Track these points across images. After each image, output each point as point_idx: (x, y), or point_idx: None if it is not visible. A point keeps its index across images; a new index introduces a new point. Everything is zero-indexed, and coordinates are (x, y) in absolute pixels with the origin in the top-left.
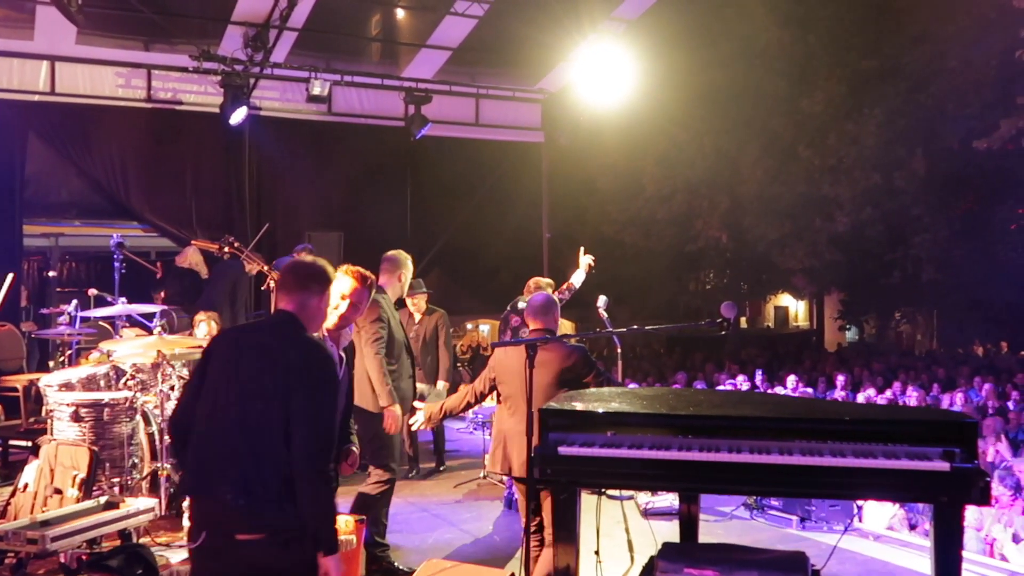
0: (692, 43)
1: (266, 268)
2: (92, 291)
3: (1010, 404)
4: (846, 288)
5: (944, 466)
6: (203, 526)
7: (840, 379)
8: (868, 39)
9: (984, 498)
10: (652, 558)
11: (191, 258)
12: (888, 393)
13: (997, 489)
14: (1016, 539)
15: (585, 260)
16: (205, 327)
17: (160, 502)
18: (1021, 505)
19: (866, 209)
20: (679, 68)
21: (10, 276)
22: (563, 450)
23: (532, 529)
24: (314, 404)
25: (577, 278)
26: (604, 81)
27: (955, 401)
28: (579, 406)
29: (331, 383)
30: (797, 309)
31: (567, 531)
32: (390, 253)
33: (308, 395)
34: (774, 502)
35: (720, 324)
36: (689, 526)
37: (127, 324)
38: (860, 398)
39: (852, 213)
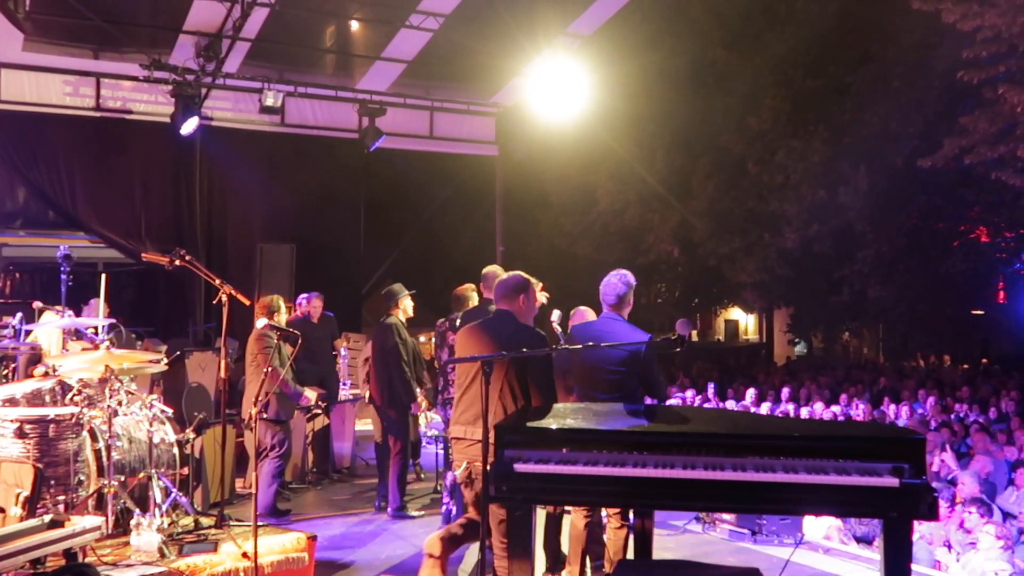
0: (645, 59)
1: (218, 282)
2: (37, 303)
3: (952, 416)
4: (795, 302)
5: (893, 482)
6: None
7: (786, 392)
8: (813, 59)
9: (932, 513)
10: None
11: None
12: (836, 407)
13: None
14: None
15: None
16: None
17: (107, 520)
18: (960, 518)
19: (813, 225)
20: (632, 83)
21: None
22: (519, 467)
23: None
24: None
25: None
26: (558, 96)
27: (901, 414)
28: (534, 423)
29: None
30: (747, 323)
31: (522, 548)
32: (485, 270)
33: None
34: (726, 516)
35: (675, 341)
36: (643, 540)
37: (74, 338)
38: (803, 413)
39: (800, 229)
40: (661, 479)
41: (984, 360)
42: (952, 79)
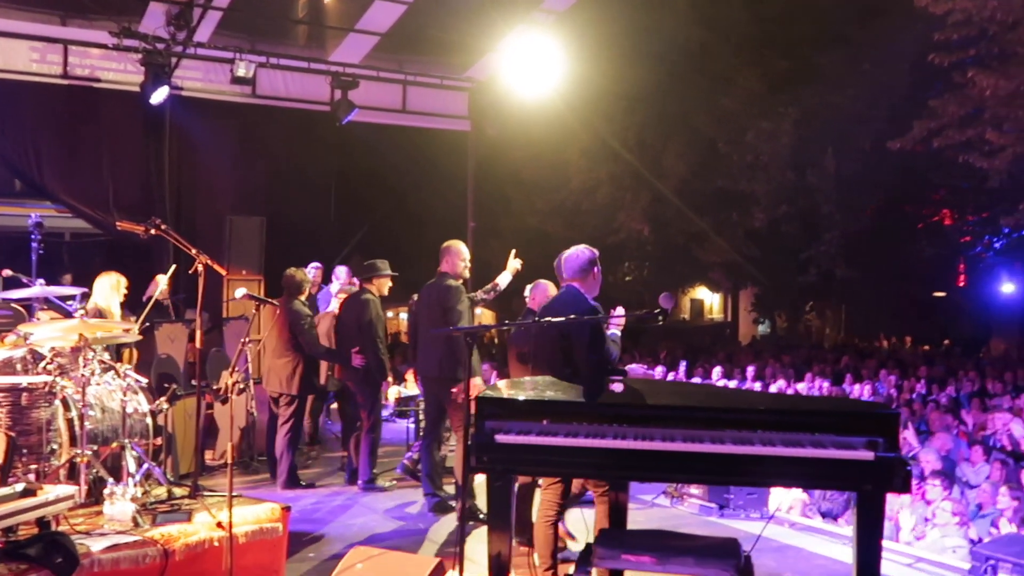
0: (619, 37)
1: (194, 252)
2: (6, 272)
3: (913, 396)
4: (761, 283)
5: (868, 455)
6: None
7: (751, 370)
8: (785, 40)
9: (905, 486)
10: (589, 544)
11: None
12: (802, 385)
13: None
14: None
15: (513, 264)
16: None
17: (80, 490)
18: (924, 492)
19: (781, 206)
20: (606, 61)
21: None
22: (500, 438)
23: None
24: None
25: (503, 279)
26: (532, 72)
27: (863, 393)
28: (515, 395)
29: None
30: (712, 302)
31: (502, 519)
32: (445, 244)
33: None
34: (694, 490)
35: (657, 315)
36: (617, 513)
37: (45, 307)
38: (772, 389)
39: (768, 209)
40: (640, 451)
41: (945, 341)
42: (921, 63)
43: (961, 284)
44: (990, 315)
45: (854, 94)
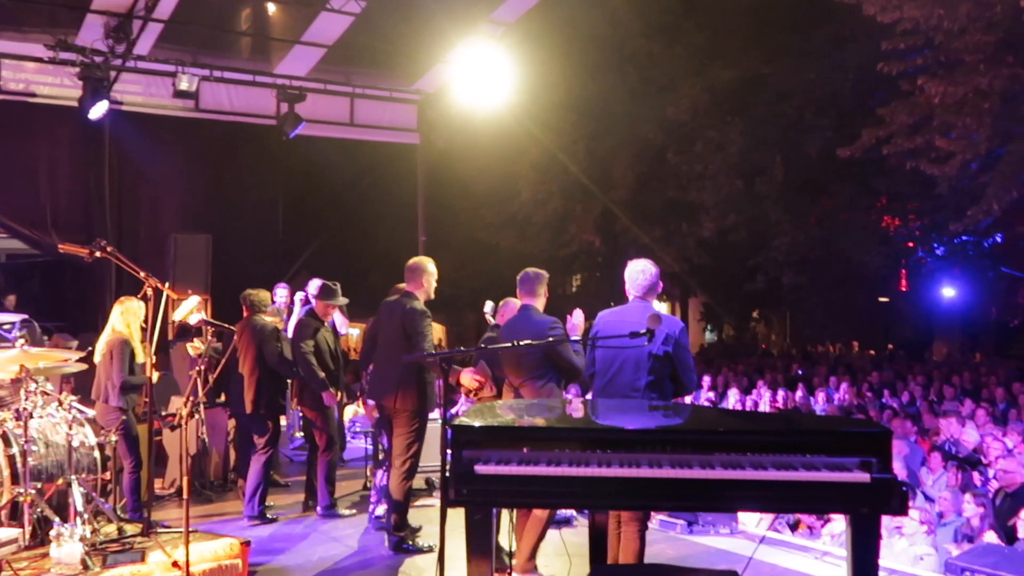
0: (567, 48)
1: (143, 275)
2: None
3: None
4: (710, 291)
5: (864, 477)
6: None
7: (707, 380)
8: (731, 50)
9: (902, 508)
10: None
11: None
12: (766, 394)
13: None
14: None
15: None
16: None
17: (23, 531)
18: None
19: (730, 216)
20: (555, 72)
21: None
22: (479, 468)
23: None
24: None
25: None
26: (481, 84)
27: (817, 400)
28: (492, 421)
29: None
30: (659, 310)
31: (482, 552)
32: (410, 261)
33: None
34: None
35: (644, 335)
36: (598, 539)
37: None
38: (731, 399)
39: (717, 218)
40: (628, 479)
41: (888, 346)
42: (866, 72)
43: (903, 289)
44: (931, 319)
45: (800, 103)
